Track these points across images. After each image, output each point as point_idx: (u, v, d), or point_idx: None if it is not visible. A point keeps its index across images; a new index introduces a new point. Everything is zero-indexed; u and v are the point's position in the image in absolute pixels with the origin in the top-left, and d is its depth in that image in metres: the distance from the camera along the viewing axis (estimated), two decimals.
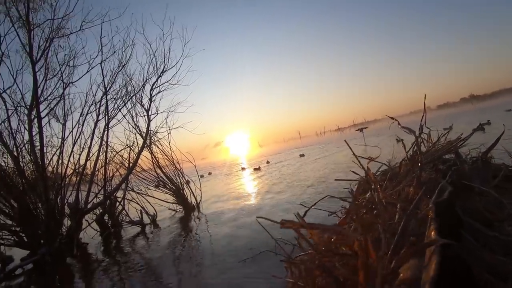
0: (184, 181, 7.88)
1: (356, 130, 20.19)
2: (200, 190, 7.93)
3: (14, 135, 5.58)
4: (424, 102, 2.55)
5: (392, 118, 2.59)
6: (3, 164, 5.51)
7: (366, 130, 19.08)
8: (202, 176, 16.58)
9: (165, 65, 7.37)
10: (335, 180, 2.46)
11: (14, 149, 5.51)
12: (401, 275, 0.81)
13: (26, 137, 5.70)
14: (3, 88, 5.53)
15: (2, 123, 5.55)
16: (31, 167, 5.76)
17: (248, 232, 4.56)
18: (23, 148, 5.74)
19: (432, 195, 1.49)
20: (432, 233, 0.92)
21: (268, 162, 20.47)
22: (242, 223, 5.21)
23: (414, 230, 1.11)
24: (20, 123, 5.75)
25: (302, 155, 19.91)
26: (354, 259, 0.93)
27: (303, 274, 1.10)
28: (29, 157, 5.75)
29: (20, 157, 5.54)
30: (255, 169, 16.85)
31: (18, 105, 5.72)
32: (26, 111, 5.69)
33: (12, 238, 5.64)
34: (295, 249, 1.54)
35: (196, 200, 7.80)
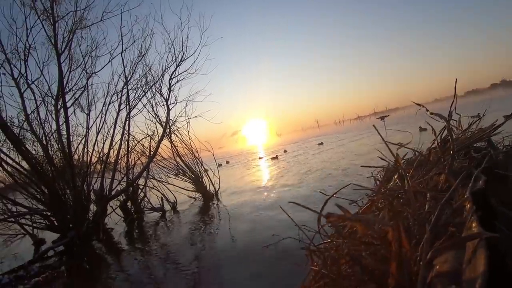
0: (203, 169, 7.99)
1: (377, 119, 19.55)
2: (219, 179, 8.03)
3: (43, 124, 5.85)
4: (455, 87, 2.39)
5: (419, 104, 2.45)
6: (34, 152, 5.81)
7: (387, 119, 18.44)
8: (220, 165, 16.82)
9: (183, 54, 7.40)
10: (362, 166, 2.39)
11: (43, 138, 5.78)
12: (437, 267, 0.75)
13: (54, 126, 5.96)
14: (32, 80, 5.77)
15: (32, 113, 5.82)
16: (59, 155, 6.04)
17: (268, 220, 4.58)
18: (51, 137, 6.02)
19: (464, 185, 1.40)
20: (473, 225, 0.85)
21: (285, 151, 20.35)
22: (261, 212, 5.24)
23: (448, 220, 1.04)
24: (48, 113, 6.01)
25: (320, 144, 19.63)
26: (384, 248, 0.88)
27: (328, 262, 1.06)
28: (56, 145, 6.02)
29: (48, 145, 5.81)
30: (272, 158, 16.82)
31: (46, 95, 5.97)
32: (53, 102, 5.93)
33: (44, 222, 6.00)
34: (316, 237, 1.50)
35: (214, 188, 7.91)
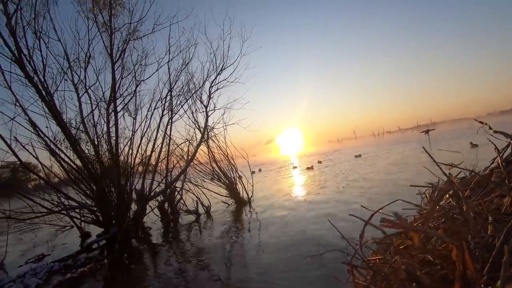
0: (237, 175, 8.10)
1: (421, 132, 18.33)
2: (252, 186, 8.07)
3: (96, 126, 6.38)
4: None
5: (480, 122, 2.26)
6: (86, 151, 6.35)
7: (432, 132, 17.24)
8: (253, 172, 16.91)
9: (224, 63, 7.68)
10: (411, 186, 2.25)
11: (95, 139, 6.30)
12: None
13: (105, 129, 6.47)
14: (89, 85, 6.35)
15: (87, 116, 6.39)
16: (107, 155, 6.52)
17: (298, 232, 4.49)
18: (102, 138, 6.53)
19: None
20: None
21: (320, 162, 19.88)
22: (292, 223, 5.15)
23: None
24: (100, 116, 6.55)
25: (358, 156, 18.87)
26: (443, 268, 0.82)
27: (378, 278, 1.01)
28: (106, 146, 6.51)
29: (99, 146, 6.31)
30: (307, 168, 16.51)
31: (100, 100, 6.52)
32: (105, 106, 6.46)
33: (91, 217, 6.49)
34: (358, 251, 1.45)
35: (247, 194, 7.96)
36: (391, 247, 1.13)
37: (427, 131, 16.06)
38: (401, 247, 1.05)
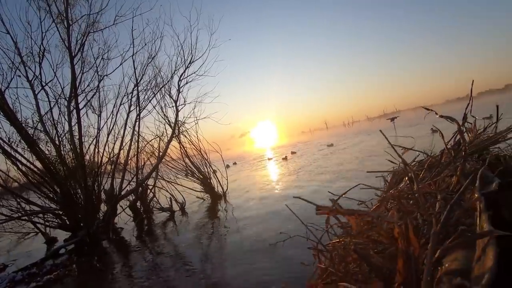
0: (211, 170, 8.04)
1: (387, 119, 19.29)
2: (227, 180, 8.06)
3: (56, 125, 5.99)
4: (471, 89, 2.35)
5: (427, 109, 2.41)
6: (47, 152, 5.96)
7: (397, 120, 18.17)
8: (228, 166, 16.86)
9: (192, 56, 7.49)
10: (367, 172, 2.37)
11: (56, 138, 5.92)
12: (447, 265, 0.75)
13: (66, 127, 6.10)
14: (45, 81, 5.92)
15: (45, 114, 5.97)
16: (71, 155, 6.17)
17: (275, 219, 4.58)
18: (64, 137, 6.16)
19: (476, 187, 1.38)
20: (484, 224, 0.84)
21: (294, 153, 20.27)
22: (268, 211, 5.24)
23: (460, 221, 1.02)
24: (61, 115, 6.16)
25: (330, 145, 19.50)
26: (391, 246, 0.88)
27: (336, 261, 1.06)
28: (69, 146, 6.16)
29: (61, 146, 5.95)
30: (282, 159, 16.80)
31: (59, 97, 6.12)
32: (65, 103, 6.08)
33: (56, 221, 6.15)
34: (324, 235, 1.51)
35: (222, 189, 7.95)
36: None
37: (392, 119, 16.92)
38: (357, 230, 1.12)
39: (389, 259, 0.85)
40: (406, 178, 2.10)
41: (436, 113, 1.67)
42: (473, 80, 2.39)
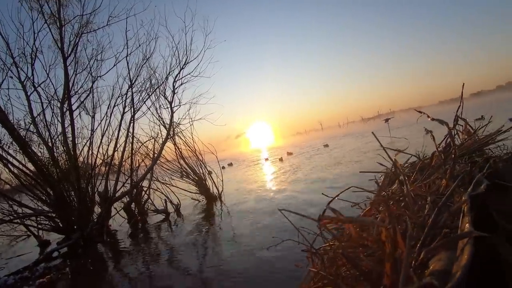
0: (206, 171, 8.02)
1: (382, 120, 19.49)
2: (222, 181, 8.05)
3: (49, 127, 5.93)
4: (462, 92, 2.40)
5: (419, 111, 2.44)
6: (39, 154, 5.89)
7: (392, 121, 18.33)
8: (223, 167, 16.85)
9: (187, 57, 7.48)
10: (360, 172, 2.39)
11: (49, 140, 5.86)
12: (431, 267, 0.77)
13: (59, 129, 6.04)
14: (38, 83, 5.86)
15: (38, 116, 5.91)
16: (64, 157, 6.11)
17: (270, 222, 4.59)
18: (57, 139, 6.09)
19: (466, 189, 1.41)
20: (466, 225, 0.86)
21: (290, 153, 20.33)
22: (263, 213, 5.25)
23: (446, 223, 1.05)
24: (54, 116, 6.11)
25: (326, 146, 19.62)
26: (380, 250, 0.90)
27: (326, 264, 1.08)
28: (62, 147, 6.10)
29: (54, 148, 5.89)
30: (279, 159, 16.84)
31: (52, 98, 6.07)
32: (58, 104, 6.02)
33: (49, 224, 6.07)
34: (317, 239, 1.53)
35: (218, 190, 7.94)
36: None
37: (387, 120, 17.08)
38: (348, 234, 1.14)
39: (378, 262, 0.87)
40: (398, 181, 2.13)
41: (428, 116, 1.70)
42: (463, 83, 2.45)
